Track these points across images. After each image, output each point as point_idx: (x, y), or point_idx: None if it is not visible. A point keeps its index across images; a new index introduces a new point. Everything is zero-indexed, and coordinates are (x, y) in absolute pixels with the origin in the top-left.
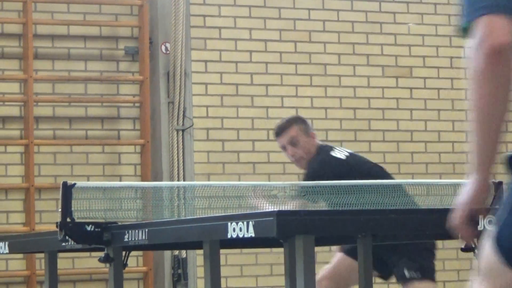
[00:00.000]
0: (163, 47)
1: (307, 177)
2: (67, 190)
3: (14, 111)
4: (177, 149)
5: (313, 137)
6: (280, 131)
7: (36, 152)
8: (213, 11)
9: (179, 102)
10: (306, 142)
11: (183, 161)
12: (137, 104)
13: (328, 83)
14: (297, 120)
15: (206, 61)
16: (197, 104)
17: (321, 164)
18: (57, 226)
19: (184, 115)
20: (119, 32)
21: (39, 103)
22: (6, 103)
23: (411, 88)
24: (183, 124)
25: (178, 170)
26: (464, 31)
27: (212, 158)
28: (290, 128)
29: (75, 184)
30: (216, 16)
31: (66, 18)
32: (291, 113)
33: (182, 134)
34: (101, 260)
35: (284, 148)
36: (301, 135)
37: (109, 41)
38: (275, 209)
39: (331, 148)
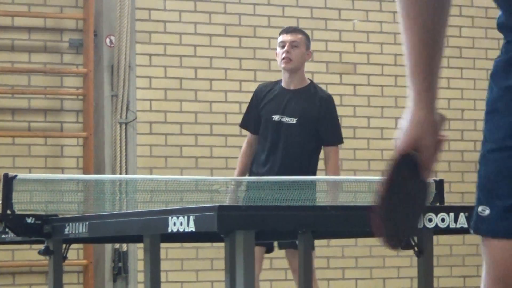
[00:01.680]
0: (107, 40)
1: (336, 113)
2: (8, 182)
3: None
4: (120, 143)
5: (309, 55)
6: (292, 30)
7: None
8: (158, 4)
9: (122, 95)
10: (303, 54)
11: (126, 155)
12: (80, 97)
13: (272, 78)
14: (307, 35)
15: (150, 55)
16: (141, 97)
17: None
18: None
19: (127, 109)
20: (64, 24)
21: None
22: None
23: (354, 85)
24: (126, 118)
25: (120, 163)
26: None
27: (154, 152)
28: (302, 34)
29: (16, 176)
30: (161, 9)
31: (10, 9)
32: (235, 108)
33: (125, 128)
34: (41, 252)
35: (282, 45)
36: (303, 45)
37: (54, 33)
38: (216, 204)
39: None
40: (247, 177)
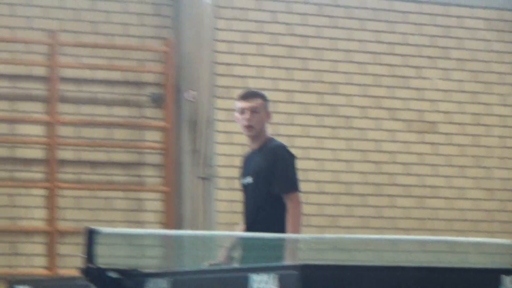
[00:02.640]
0: (188, 95)
1: (286, 161)
2: (91, 236)
3: (38, 153)
4: (200, 198)
5: (269, 117)
6: (250, 95)
7: (59, 195)
8: (239, 59)
9: (203, 150)
10: (263, 118)
11: (206, 210)
12: (161, 151)
13: (352, 136)
14: (265, 97)
15: (230, 110)
16: (221, 152)
17: (289, 152)
18: (80, 272)
19: (207, 164)
20: (144, 77)
21: (63, 147)
22: (30, 145)
23: (435, 144)
24: (206, 173)
25: (200, 219)
26: None
27: (235, 208)
28: (260, 99)
29: (98, 230)
30: (241, 65)
31: (92, 62)
32: (314, 165)
33: (206, 183)
34: None
35: (242, 111)
36: (263, 110)
37: (134, 87)
38: (300, 262)
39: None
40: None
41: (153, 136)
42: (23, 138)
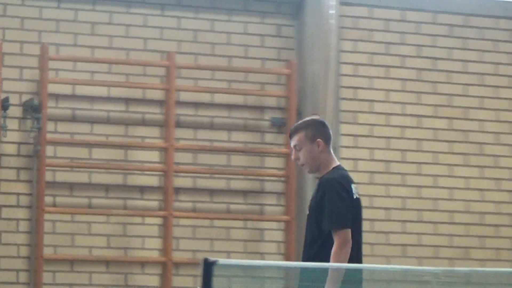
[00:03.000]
0: None
1: (333, 195)
2: (208, 267)
3: (154, 181)
4: None
5: (318, 146)
6: (291, 133)
7: (175, 224)
8: (365, 83)
9: None
10: (311, 150)
11: None
12: (282, 178)
13: (485, 163)
14: (305, 127)
15: (355, 136)
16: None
17: (339, 184)
18: None
19: None
20: (265, 101)
21: (180, 173)
22: (146, 172)
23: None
24: None
25: None
26: None
27: None
28: (300, 132)
29: (216, 261)
30: (367, 88)
31: (210, 85)
32: (444, 194)
33: None
34: None
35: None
36: (307, 142)
37: (255, 111)
38: None
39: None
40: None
41: (274, 163)
42: (137, 165)
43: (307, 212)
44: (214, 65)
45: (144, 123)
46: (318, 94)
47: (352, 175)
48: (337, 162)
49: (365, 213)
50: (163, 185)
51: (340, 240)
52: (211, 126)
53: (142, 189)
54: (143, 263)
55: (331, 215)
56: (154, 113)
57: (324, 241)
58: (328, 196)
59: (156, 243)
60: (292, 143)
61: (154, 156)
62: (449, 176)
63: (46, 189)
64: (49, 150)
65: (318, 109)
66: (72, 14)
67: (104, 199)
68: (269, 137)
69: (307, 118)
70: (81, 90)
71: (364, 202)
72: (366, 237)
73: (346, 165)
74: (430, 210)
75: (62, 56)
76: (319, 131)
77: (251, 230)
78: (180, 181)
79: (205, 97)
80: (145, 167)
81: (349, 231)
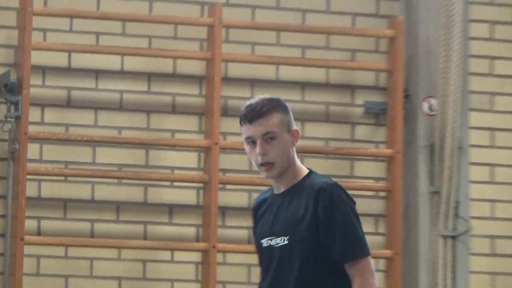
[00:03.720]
0: (425, 105)
1: (347, 210)
2: None
3: (189, 196)
4: (445, 267)
5: (296, 136)
6: (258, 115)
7: (220, 262)
8: (507, 50)
9: (448, 193)
10: (287, 143)
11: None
12: (382, 194)
13: None
14: (282, 105)
15: (493, 129)
16: (478, 196)
17: (346, 193)
18: None
19: (456, 214)
20: (357, 78)
21: (227, 186)
22: (177, 183)
23: None
24: (454, 228)
25: None
26: None
27: (498, 283)
28: (276, 112)
29: None
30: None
31: (274, 53)
32: None
33: (453, 243)
34: None
35: (251, 140)
36: (283, 129)
37: (341, 92)
38: None
39: None
40: None
41: (369, 170)
42: (165, 173)
43: (277, 241)
44: (280, 23)
45: (174, 110)
46: (435, 66)
47: (486, 189)
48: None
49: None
50: (203, 203)
51: (365, 272)
52: None
53: (172, 209)
54: None
55: (352, 240)
56: (190, 95)
57: (325, 281)
58: (340, 212)
59: None
60: (263, 129)
61: (190, 159)
62: None
63: (27, 209)
64: (32, 150)
65: (434, 89)
66: None
67: (114, 224)
68: (362, 131)
69: (271, 97)
70: (81, 60)
71: (506, 229)
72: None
73: (481, 174)
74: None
75: (52, 10)
76: (292, 118)
77: None
78: (228, 197)
79: (265, 71)
80: (176, 176)
81: (371, 259)
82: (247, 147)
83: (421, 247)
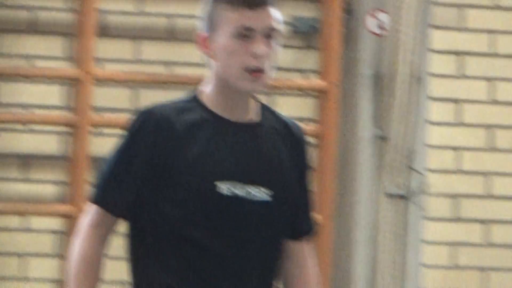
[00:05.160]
0: (370, 22)
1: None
2: None
3: None
4: (391, 234)
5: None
6: (261, 1)
7: None
8: None
9: (398, 138)
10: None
11: (403, 260)
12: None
13: None
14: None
15: (458, 53)
16: (438, 143)
17: None
18: None
19: (409, 166)
20: None
21: None
22: None
23: None
24: (405, 186)
25: (389, 279)
26: None
27: (462, 259)
28: (275, 7)
29: None
30: None
31: None
32: None
33: (403, 206)
34: None
35: (248, 33)
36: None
37: None
38: None
39: None
40: None
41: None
42: None
43: (255, 193)
44: None
45: (33, 28)
46: None
47: (448, 132)
48: None
49: (478, 209)
50: (70, 152)
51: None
52: None
53: (27, 161)
54: None
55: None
56: (53, 9)
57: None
58: (310, 172)
59: None
60: (269, 21)
61: (52, 94)
62: None
63: None
64: None
65: (385, 4)
66: None
67: None
68: (286, 57)
69: None
70: None
71: (471, 187)
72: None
73: (441, 112)
74: None
75: None
76: None
77: None
78: (103, 145)
79: None
80: (34, 118)
81: None
82: (233, 42)
83: (360, 209)
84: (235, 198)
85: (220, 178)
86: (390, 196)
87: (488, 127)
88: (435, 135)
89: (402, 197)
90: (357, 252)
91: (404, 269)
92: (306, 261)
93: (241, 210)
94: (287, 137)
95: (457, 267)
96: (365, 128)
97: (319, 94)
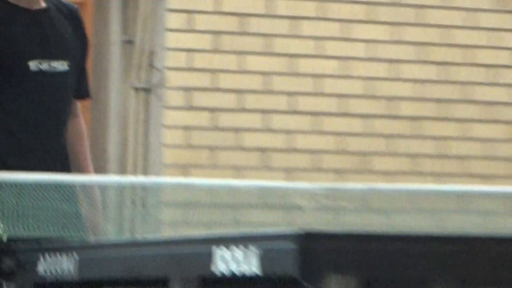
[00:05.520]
0: None
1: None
2: None
3: None
4: (137, 121)
5: None
6: None
7: None
8: None
9: (141, 40)
10: None
11: (146, 142)
12: None
13: None
14: None
15: None
16: (175, 46)
17: None
18: None
19: (150, 64)
20: None
21: None
22: None
23: None
24: (147, 80)
25: (136, 156)
26: None
27: (194, 139)
28: None
29: None
30: None
31: None
32: None
33: (146, 96)
34: None
35: None
36: None
37: None
38: (296, 229)
39: None
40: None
41: None
42: None
43: (55, 65)
44: None
45: None
46: None
47: (184, 38)
48: None
49: (204, 99)
50: None
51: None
52: None
53: None
54: None
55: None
56: None
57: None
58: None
59: None
60: None
61: None
62: None
63: None
64: None
65: None
66: None
67: None
68: None
69: None
70: None
71: (203, 80)
72: (207, 138)
73: (176, 21)
74: None
75: None
76: None
77: None
78: None
79: None
80: None
81: None
82: None
83: (112, 101)
84: (38, 72)
85: (31, 58)
86: (136, 90)
87: (215, 33)
88: (172, 39)
89: (146, 90)
90: (110, 136)
91: (148, 149)
92: (78, 117)
93: (44, 80)
94: (69, 17)
95: (190, 146)
96: (115, 34)
97: (78, 5)
